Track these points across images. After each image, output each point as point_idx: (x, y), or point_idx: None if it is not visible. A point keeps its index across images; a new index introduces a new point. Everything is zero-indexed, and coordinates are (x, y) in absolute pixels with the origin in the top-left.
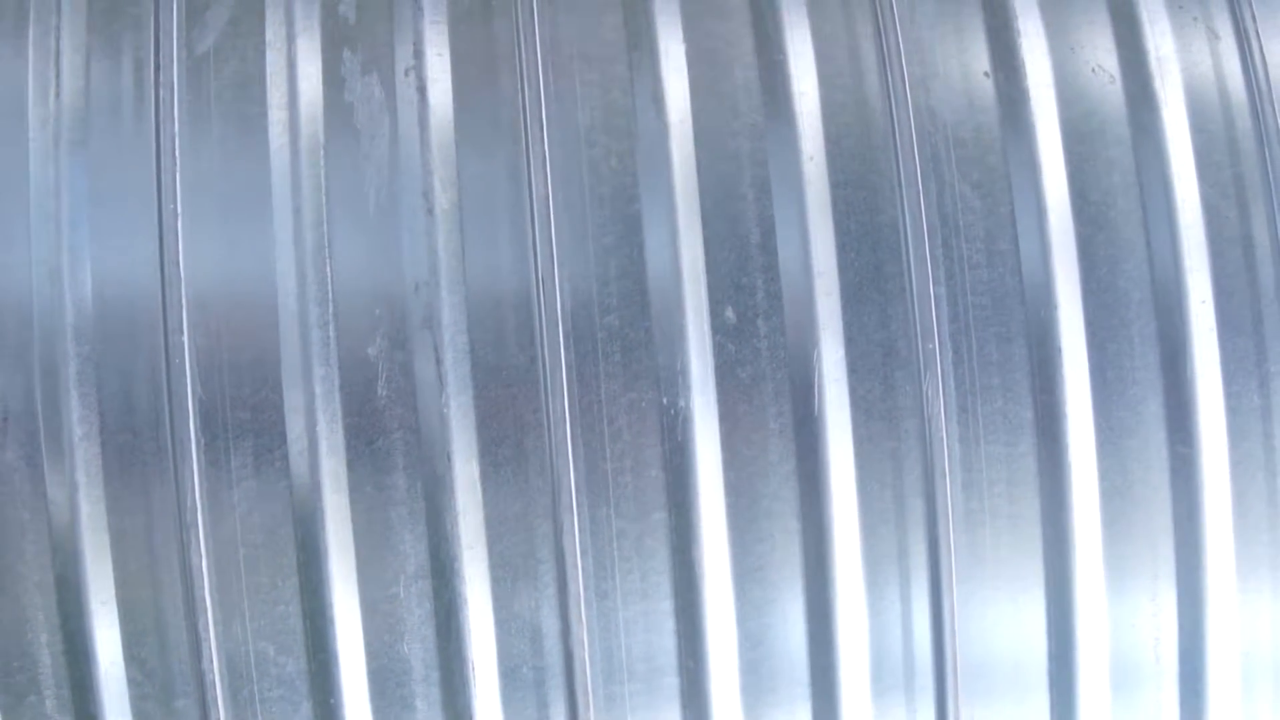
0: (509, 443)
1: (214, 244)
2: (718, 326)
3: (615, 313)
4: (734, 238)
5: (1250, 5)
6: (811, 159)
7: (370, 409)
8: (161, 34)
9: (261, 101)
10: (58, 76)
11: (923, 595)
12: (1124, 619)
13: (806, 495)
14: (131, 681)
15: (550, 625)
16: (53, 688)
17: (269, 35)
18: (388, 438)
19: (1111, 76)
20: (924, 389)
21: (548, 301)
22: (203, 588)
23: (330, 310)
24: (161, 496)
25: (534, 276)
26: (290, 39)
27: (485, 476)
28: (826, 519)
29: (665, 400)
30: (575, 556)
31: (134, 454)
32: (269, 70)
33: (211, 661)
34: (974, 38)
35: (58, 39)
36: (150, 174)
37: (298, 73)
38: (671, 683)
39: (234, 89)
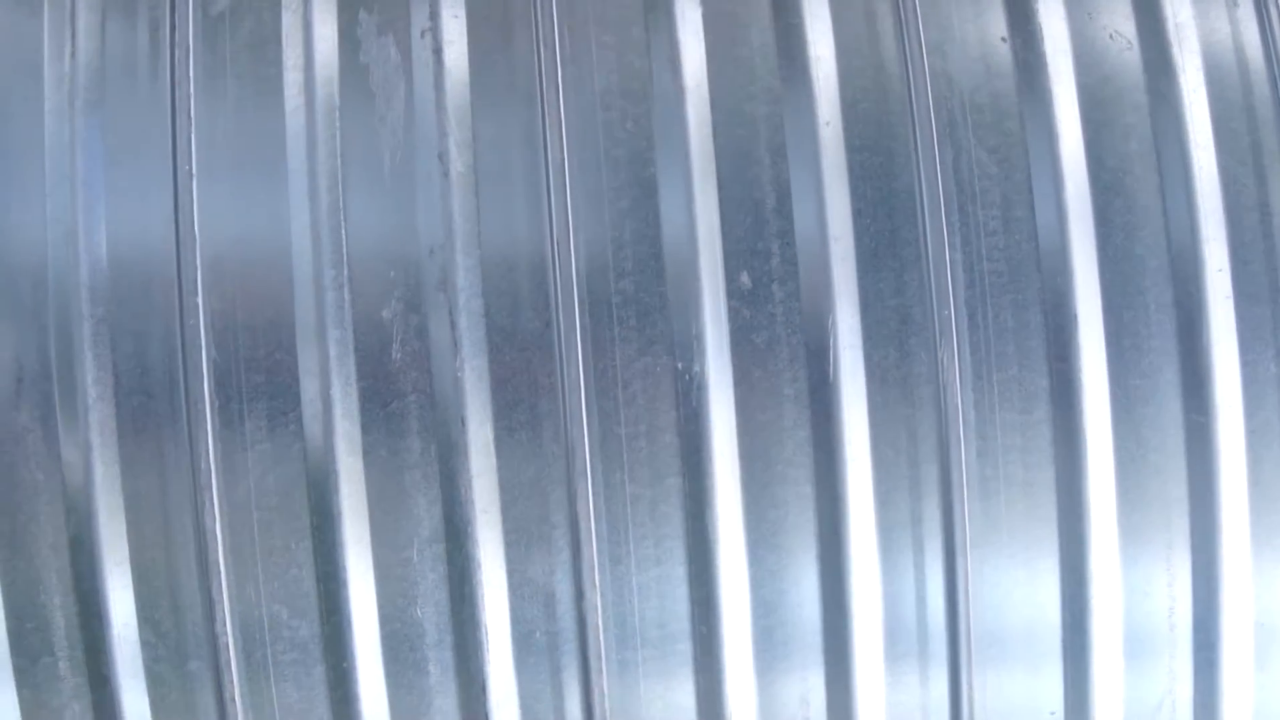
0: (523, 407)
1: (229, 205)
2: (733, 291)
3: (630, 277)
4: (749, 202)
5: None
6: (828, 124)
7: (385, 372)
8: None
9: (277, 62)
10: (73, 36)
11: (937, 562)
12: (1138, 587)
13: (821, 461)
14: (145, 644)
15: (564, 590)
16: (66, 649)
17: None
18: (402, 401)
19: (1129, 42)
20: (939, 355)
21: (563, 265)
22: (216, 550)
23: (345, 273)
24: (176, 459)
25: (549, 240)
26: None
27: (499, 441)
28: (841, 485)
29: (680, 365)
30: (589, 522)
31: (148, 416)
32: (285, 31)
33: (225, 624)
34: (991, 3)
35: None
36: (165, 135)
37: (313, 34)
38: (685, 649)
39: (249, 50)
